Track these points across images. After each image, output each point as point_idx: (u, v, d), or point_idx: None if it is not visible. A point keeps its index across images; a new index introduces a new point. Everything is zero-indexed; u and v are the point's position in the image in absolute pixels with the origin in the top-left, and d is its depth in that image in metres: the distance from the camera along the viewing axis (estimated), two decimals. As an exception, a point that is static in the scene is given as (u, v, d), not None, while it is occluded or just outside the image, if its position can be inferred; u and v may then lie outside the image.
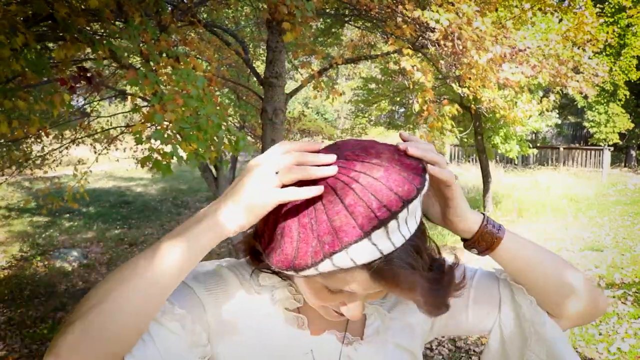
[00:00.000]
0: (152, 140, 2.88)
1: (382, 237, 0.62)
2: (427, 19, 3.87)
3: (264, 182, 0.65)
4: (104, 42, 2.65)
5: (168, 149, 2.76)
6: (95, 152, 7.08)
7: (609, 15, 13.27)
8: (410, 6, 4.00)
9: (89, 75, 2.59)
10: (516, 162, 16.20)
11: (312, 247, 0.62)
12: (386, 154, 0.66)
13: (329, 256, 0.62)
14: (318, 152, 0.69)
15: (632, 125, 15.51)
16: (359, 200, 0.61)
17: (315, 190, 0.62)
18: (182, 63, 3.02)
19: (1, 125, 2.34)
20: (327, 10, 5.84)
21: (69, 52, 2.38)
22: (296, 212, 0.64)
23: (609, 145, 15.43)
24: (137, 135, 2.73)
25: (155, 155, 2.77)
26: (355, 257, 0.61)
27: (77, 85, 2.61)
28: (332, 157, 0.65)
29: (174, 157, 2.72)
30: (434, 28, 4.01)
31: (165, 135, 2.64)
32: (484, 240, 0.78)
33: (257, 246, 0.71)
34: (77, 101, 7.05)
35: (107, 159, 8.10)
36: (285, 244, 0.64)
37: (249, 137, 7.95)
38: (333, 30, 8.12)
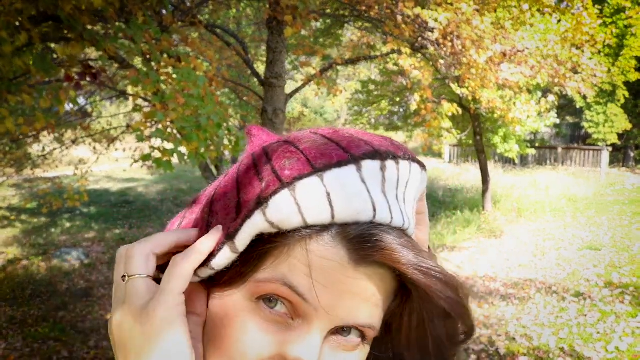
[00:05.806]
0: (153, 139, 2.91)
1: (377, 178, 0.39)
2: (426, 17, 3.91)
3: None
4: (107, 40, 2.68)
5: (169, 146, 2.78)
6: (95, 153, 7.11)
7: (607, 16, 13.32)
8: (410, 4, 4.03)
9: (94, 71, 2.62)
10: (515, 162, 16.22)
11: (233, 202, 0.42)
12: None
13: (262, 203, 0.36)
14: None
15: (631, 125, 15.55)
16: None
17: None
18: (183, 62, 3.06)
19: (7, 122, 2.36)
20: (327, 11, 5.87)
21: (74, 50, 2.41)
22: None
23: (607, 146, 15.47)
24: (139, 133, 2.76)
25: (156, 152, 2.80)
26: (304, 202, 0.37)
27: (83, 81, 2.64)
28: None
29: (175, 155, 2.75)
30: (433, 28, 4.05)
31: (166, 133, 2.67)
32: None
33: None
34: (79, 102, 7.07)
35: (107, 160, 8.13)
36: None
37: (249, 137, 7.97)
38: (333, 31, 8.16)
